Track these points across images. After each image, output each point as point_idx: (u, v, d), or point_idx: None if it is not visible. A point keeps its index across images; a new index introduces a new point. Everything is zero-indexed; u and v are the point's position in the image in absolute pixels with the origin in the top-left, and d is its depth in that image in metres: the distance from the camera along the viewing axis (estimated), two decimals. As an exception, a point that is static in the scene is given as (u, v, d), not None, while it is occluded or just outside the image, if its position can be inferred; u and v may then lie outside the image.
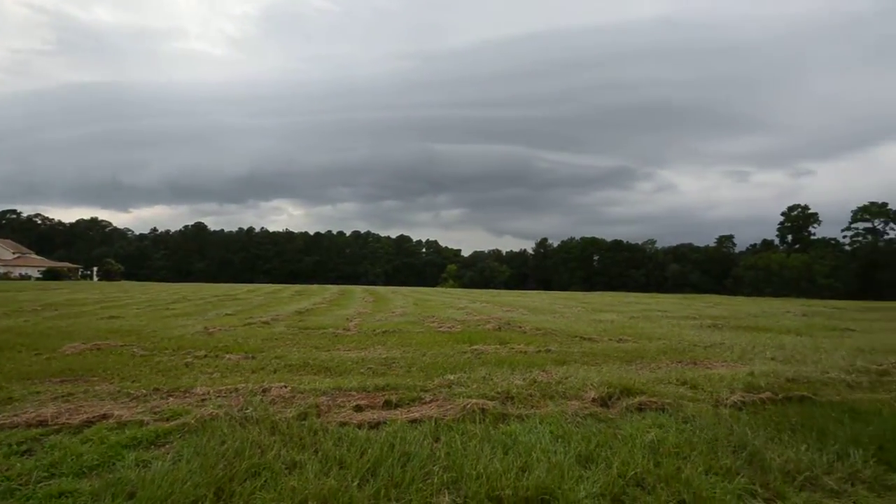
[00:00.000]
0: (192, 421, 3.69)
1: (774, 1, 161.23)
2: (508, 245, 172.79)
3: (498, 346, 7.91)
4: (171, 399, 4.44)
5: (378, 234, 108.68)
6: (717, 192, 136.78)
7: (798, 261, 63.80)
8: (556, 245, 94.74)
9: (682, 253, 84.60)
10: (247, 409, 3.85)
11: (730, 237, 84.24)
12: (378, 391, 4.54)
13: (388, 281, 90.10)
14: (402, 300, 22.36)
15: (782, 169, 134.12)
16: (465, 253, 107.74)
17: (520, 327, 10.82)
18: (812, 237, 71.20)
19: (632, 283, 78.39)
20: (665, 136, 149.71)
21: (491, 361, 6.52)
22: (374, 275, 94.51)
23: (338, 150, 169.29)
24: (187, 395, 4.56)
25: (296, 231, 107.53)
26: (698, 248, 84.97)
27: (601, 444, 3.45)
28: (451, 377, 5.19)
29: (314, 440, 3.39)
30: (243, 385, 4.68)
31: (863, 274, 61.06)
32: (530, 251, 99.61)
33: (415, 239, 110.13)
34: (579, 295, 37.02)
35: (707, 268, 78.26)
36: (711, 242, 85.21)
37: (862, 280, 60.43)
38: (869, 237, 65.52)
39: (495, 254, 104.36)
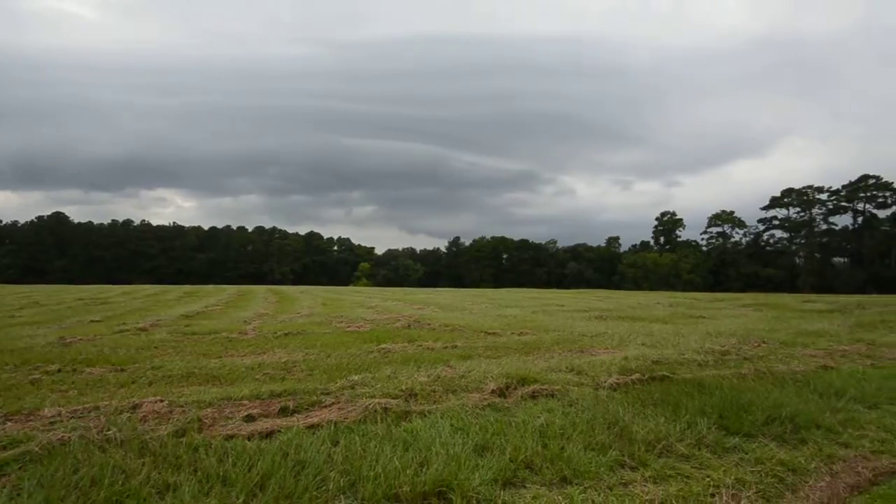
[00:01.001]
0: (37, 448, 3.10)
1: (658, 31, 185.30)
2: (422, 243, 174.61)
3: (406, 344, 7.93)
4: (9, 424, 3.68)
5: (285, 231, 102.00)
6: (607, 198, 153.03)
7: (668, 259, 74.66)
8: (468, 244, 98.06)
9: (579, 252, 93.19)
10: (109, 429, 3.33)
11: (616, 238, 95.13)
12: (274, 398, 4.25)
13: (298, 280, 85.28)
14: (310, 300, 21.30)
15: (657, 180, 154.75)
16: (379, 251, 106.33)
17: (429, 324, 10.97)
18: (678, 239, 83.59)
19: (536, 279, 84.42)
20: (565, 145, 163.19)
21: (397, 360, 6.51)
22: (280, 274, 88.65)
23: (238, 136, 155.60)
24: (32, 417, 3.82)
25: (186, 225, 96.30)
26: (592, 247, 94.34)
27: (497, 433, 3.64)
28: (356, 378, 5.06)
29: (193, 458, 3.06)
30: (106, 402, 4.06)
31: (715, 270, 73.29)
32: (443, 249, 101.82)
33: (326, 236, 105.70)
34: (488, 292, 38.77)
35: (599, 265, 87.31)
36: (602, 243, 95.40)
37: (714, 275, 72.50)
38: (720, 239, 78.85)
39: (409, 252, 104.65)
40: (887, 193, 64.24)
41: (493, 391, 4.61)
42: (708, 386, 5.01)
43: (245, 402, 4.11)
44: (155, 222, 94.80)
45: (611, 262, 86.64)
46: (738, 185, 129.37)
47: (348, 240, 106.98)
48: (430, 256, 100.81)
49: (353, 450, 3.21)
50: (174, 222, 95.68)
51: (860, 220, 66.81)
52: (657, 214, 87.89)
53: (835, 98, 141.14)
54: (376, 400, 4.12)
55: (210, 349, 7.43)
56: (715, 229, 79.42)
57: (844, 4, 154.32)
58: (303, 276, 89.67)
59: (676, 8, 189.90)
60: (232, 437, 3.41)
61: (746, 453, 3.59)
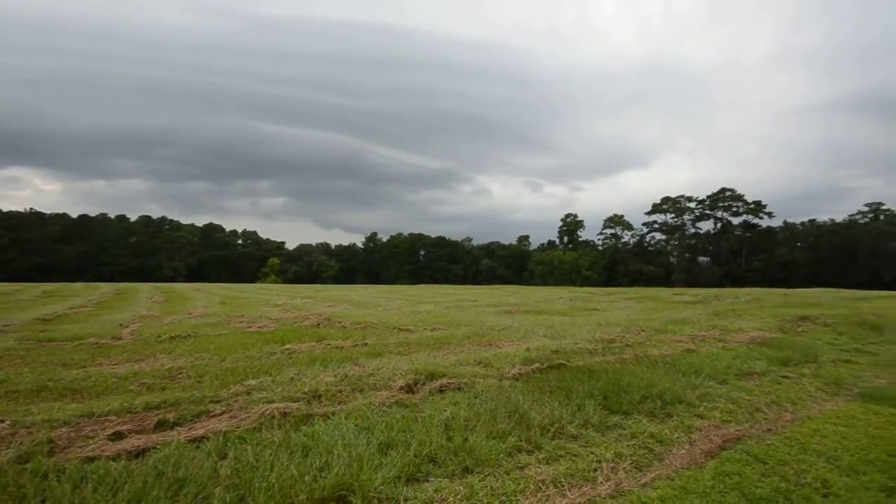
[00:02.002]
0: None
1: (558, 47, 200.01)
2: (338, 238, 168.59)
3: (314, 344, 7.56)
4: None
5: (178, 221, 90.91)
6: (519, 199, 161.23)
7: (570, 257, 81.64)
8: (385, 240, 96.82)
9: (492, 249, 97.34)
10: (-86, 464, 2.66)
11: (527, 237, 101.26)
12: (149, 410, 3.75)
13: (193, 277, 76.90)
14: (205, 299, 19.33)
15: (563, 184, 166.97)
16: (291, 246, 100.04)
17: (339, 322, 10.60)
18: (579, 239, 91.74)
19: (452, 276, 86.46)
20: (480, 145, 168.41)
21: (303, 360, 6.17)
22: (172, 270, 79.10)
23: (120, 110, 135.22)
24: None
25: (48, 212, 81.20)
26: (504, 245, 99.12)
27: (402, 429, 3.61)
28: (253, 382, 4.69)
29: (41, 487, 2.58)
30: (-84, 430, 3.24)
31: (609, 267, 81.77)
32: (360, 245, 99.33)
33: (228, 229, 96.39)
34: (404, 288, 38.74)
35: (510, 262, 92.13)
36: (514, 241, 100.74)
37: (608, 271, 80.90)
38: (613, 240, 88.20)
39: (323, 247, 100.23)
40: (739, 204, 77.32)
41: (401, 388, 4.58)
42: (596, 371, 5.52)
43: (112, 417, 3.56)
44: (6, 207, 78.56)
45: (521, 259, 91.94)
46: (627, 192, 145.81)
47: (255, 233, 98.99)
48: (346, 252, 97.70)
49: (244, 461, 2.96)
50: (31, 208, 79.97)
51: (719, 225, 79.53)
52: (562, 216, 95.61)
53: (703, 121, 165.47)
54: (275, 405, 3.85)
55: (71, 358, 6.33)
56: (609, 231, 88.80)
57: (716, 40, 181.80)
58: (200, 273, 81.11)
59: (576, 27, 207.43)
60: (93, 459, 2.94)
61: (624, 429, 4.03)
